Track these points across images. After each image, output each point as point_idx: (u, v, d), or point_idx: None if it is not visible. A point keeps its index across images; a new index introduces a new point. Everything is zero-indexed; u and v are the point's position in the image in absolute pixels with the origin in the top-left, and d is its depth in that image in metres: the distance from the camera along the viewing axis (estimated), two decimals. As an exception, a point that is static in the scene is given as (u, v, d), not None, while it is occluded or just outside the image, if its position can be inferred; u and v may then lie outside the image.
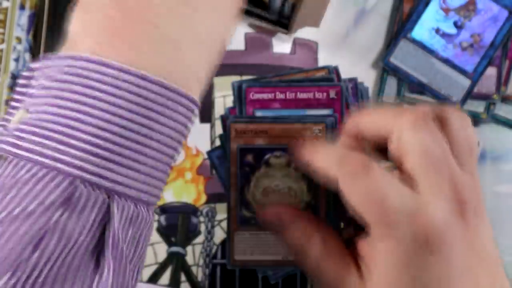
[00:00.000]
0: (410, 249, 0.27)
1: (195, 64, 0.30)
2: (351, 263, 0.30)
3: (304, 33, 0.49)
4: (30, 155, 0.25)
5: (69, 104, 0.25)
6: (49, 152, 0.25)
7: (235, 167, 0.41)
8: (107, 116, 0.25)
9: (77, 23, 0.29)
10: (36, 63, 0.28)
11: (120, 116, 0.25)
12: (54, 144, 0.25)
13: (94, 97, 0.25)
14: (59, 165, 0.25)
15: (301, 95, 0.42)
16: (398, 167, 0.30)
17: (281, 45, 0.50)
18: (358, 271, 0.30)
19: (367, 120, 0.32)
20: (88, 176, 0.25)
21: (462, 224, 0.28)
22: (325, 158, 0.31)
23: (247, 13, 0.47)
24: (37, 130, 0.25)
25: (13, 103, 0.28)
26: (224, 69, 0.49)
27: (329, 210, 0.42)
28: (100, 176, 0.25)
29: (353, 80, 0.45)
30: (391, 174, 0.29)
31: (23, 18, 0.43)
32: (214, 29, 0.31)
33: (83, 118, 0.25)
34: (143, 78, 0.26)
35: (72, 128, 0.25)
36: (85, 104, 0.25)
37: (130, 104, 0.26)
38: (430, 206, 0.28)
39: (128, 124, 0.26)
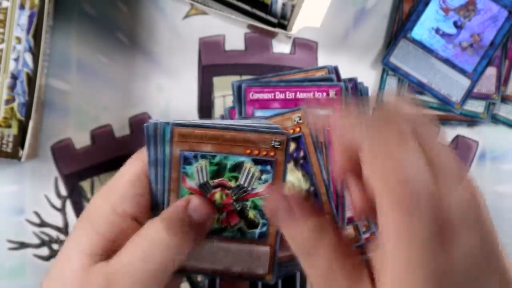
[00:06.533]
0: (424, 236, 0.25)
1: None
2: (365, 273, 0.28)
3: (304, 33, 0.49)
4: None
5: None
6: None
7: None
8: None
9: None
10: None
11: None
12: None
13: None
14: None
15: (301, 95, 0.42)
16: None
17: (281, 45, 0.50)
18: (372, 283, 0.28)
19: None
20: None
21: (476, 223, 0.27)
22: (356, 125, 0.28)
23: (248, 14, 0.47)
24: None
25: None
26: (224, 69, 0.49)
27: (329, 195, 0.42)
28: None
29: (352, 80, 0.45)
30: (418, 154, 0.26)
31: (23, 18, 0.43)
32: None
33: None
34: None
35: None
36: None
37: None
38: (448, 196, 0.26)
39: None
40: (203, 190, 0.35)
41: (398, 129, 0.27)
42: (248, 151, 0.34)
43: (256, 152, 0.34)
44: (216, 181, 0.34)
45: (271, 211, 0.30)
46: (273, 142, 0.38)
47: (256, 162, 0.35)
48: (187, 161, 0.34)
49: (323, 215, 0.30)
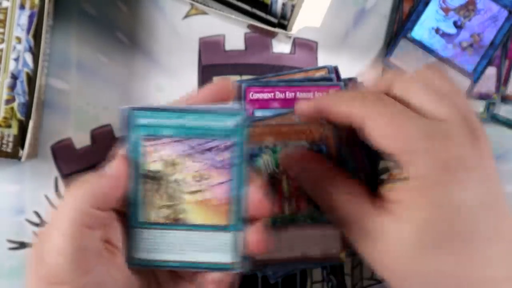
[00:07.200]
0: (432, 174, 0.28)
1: None
2: (379, 205, 0.31)
3: (304, 33, 0.49)
4: None
5: None
6: None
7: None
8: None
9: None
10: None
11: None
12: None
13: None
14: None
15: (301, 95, 0.42)
16: None
17: (281, 45, 0.50)
18: (385, 212, 0.30)
19: (333, 106, 0.33)
20: None
21: (477, 151, 0.29)
22: (348, 100, 0.32)
23: (248, 14, 0.47)
24: None
25: None
26: (224, 69, 0.49)
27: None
28: None
29: (352, 80, 0.45)
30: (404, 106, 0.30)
31: (23, 18, 0.43)
32: None
33: None
34: None
35: None
36: None
37: None
38: (446, 130, 0.29)
39: None
40: (273, 179, 0.36)
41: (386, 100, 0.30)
42: (305, 137, 0.36)
43: (312, 136, 0.35)
44: (281, 169, 0.36)
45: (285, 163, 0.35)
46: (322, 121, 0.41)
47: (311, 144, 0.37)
48: (253, 157, 0.36)
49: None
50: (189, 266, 0.33)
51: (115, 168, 0.31)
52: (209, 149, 0.32)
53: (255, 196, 0.31)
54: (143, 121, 0.31)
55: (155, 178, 0.32)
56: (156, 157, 0.32)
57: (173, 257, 0.33)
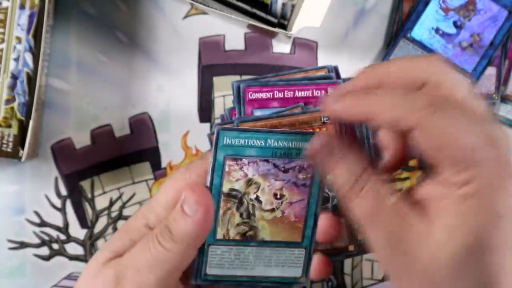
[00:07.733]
0: (494, 182, 0.27)
1: None
2: (411, 208, 0.28)
3: (304, 33, 0.50)
4: None
5: None
6: None
7: None
8: None
9: None
10: None
11: None
12: None
13: None
14: None
15: (300, 94, 0.42)
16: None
17: (281, 45, 0.50)
18: (420, 215, 0.28)
19: (394, 69, 0.30)
20: None
21: None
22: (387, 102, 0.28)
23: (248, 14, 0.47)
24: None
25: None
26: (224, 69, 0.50)
27: None
28: None
29: (352, 80, 0.45)
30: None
31: (23, 18, 0.43)
32: None
33: None
34: None
35: None
36: None
37: None
38: (498, 132, 0.27)
39: None
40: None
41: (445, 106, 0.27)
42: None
43: (311, 130, 0.35)
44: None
45: (313, 153, 0.30)
46: (323, 118, 0.40)
47: None
48: None
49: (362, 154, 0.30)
50: (258, 281, 0.33)
51: (203, 209, 0.30)
52: (292, 168, 0.32)
53: (327, 221, 0.32)
54: (229, 141, 0.32)
55: (235, 196, 0.32)
56: (239, 176, 0.32)
57: (243, 272, 0.33)
